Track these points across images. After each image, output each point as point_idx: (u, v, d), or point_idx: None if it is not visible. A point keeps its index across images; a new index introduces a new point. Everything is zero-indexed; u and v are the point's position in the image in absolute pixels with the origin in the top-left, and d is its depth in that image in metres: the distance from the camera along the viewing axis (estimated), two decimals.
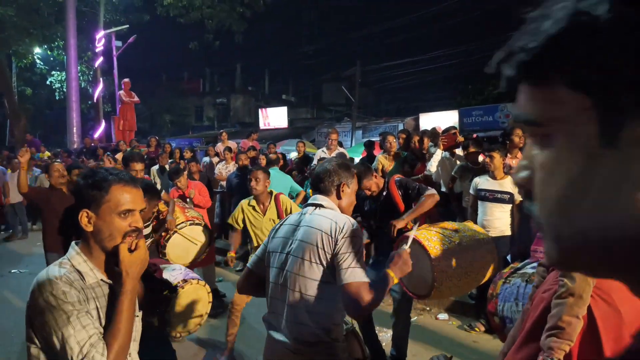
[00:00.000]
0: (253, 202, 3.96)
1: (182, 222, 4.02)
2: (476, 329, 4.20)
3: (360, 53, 22.51)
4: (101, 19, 15.36)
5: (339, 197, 1.96)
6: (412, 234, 2.34)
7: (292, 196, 6.46)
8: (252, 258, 1.99)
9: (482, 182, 4.34)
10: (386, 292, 1.78)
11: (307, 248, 1.75)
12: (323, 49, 29.11)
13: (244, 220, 4.00)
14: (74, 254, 1.41)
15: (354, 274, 1.66)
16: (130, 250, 1.43)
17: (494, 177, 4.26)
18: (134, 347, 1.58)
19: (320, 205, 1.89)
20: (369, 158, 7.40)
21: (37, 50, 16.19)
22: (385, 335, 4.08)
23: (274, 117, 24.81)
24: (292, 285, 1.76)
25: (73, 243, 1.45)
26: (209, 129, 28.45)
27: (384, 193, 3.51)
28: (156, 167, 7.85)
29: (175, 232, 3.95)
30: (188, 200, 5.14)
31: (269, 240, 1.95)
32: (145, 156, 8.91)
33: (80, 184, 1.42)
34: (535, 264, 1.71)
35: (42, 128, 23.74)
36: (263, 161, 7.02)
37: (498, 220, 4.18)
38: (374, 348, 3.57)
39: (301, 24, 32.42)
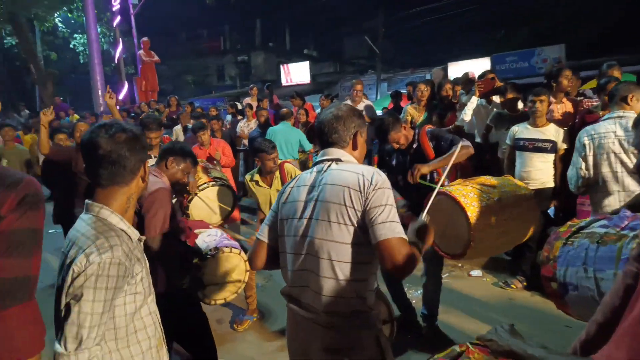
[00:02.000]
0: (256, 177, 3.74)
1: (205, 183, 3.90)
2: (512, 285, 4.02)
3: (382, 2, 21.26)
4: None
5: (355, 147, 1.73)
6: (437, 189, 2.13)
7: (303, 151, 6.30)
8: (261, 227, 1.78)
9: (521, 130, 4.01)
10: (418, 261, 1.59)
11: (333, 208, 1.54)
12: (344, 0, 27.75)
13: (253, 192, 3.83)
14: (108, 212, 1.33)
15: (392, 229, 1.47)
16: None
17: (534, 125, 3.92)
18: (152, 301, 1.47)
19: (338, 160, 1.66)
20: (396, 110, 7.07)
21: (58, 13, 16.03)
22: (414, 293, 3.96)
23: (296, 73, 24.30)
24: (319, 252, 1.56)
25: (90, 202, 1.36)
26: (231, 88, 28.25)
27: (414, 145, 3.26)
28: (179, 126, 7.77)
29: (196, 194, 3.84)
30: (215, 162, 5.02)
31: (279, 206, 1.73)
32: (167, 117, 8.85)
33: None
34: (609, 223, 1.46)
35: (69, 92, 23.98)
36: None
37: (539, 172, 3.88)
38: (403, 307, 3.45)
39: None
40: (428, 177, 3.15)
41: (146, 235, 2.34)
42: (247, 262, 2.91)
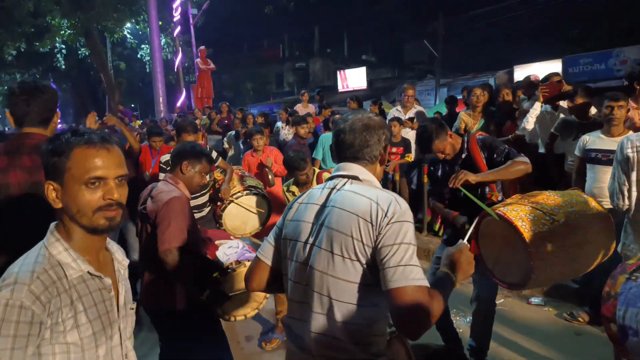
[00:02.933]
0: (293, 188, 3.54)
1: (239, 192, 3.76)
2: (579, 318, 3.49)
3: (442, 4, 20.56)
4: None
5: (381, 162, 1.48)
6: (497, 209, 1.78)
7: None
8: (263, 244, 1.56)
9: (593, 140, 3.48)
10: (448, 298, 1.29)
11: (339, 239, 1.29)
12: (403, 4, 27.20)
13: (288, 200, 3.62)
14: (53, 240, 1.13)
15: (407, 275, 1.19)
16: None
17: (609, 134, 3.39)
18: (129, 344, 1.29)
19: (355, 178, 1.41)
20: (451, 116, 6.61)
21: (126, 25, 17.03)
22: (462, 320, 3.55)
23: (353, 79, 24.10)
24: (319, 286, 1.32)
25: (52, 225, 1.18)
26: (288, 94, 28.62)
27: (463, 155, 2.89)
28: (233, 132, 7.81)
29: (231, 201, 3.70)
30: (267, 169, 4.88)
31: (284, 222, 1.50)
32: (218, 123, 8.95)
33: (42, 151, 1.15)
34: None
35: (137, 100, 25.46)
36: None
37: None
38: (447, 336, 3.07)
39: None
40: (479, 191, 2.77)
41: (159, 248, 2.20)
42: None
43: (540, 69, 13.31)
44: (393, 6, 28.03)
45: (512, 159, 2.66)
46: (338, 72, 25.15)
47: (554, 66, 14.90)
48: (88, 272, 1.13)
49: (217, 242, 2.73)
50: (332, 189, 1.41)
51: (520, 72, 15.29)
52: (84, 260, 1.13)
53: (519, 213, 2.24)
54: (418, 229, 5.45)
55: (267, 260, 1.52)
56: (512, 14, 19.69)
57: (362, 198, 1.31)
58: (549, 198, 2.44)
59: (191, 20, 15.99)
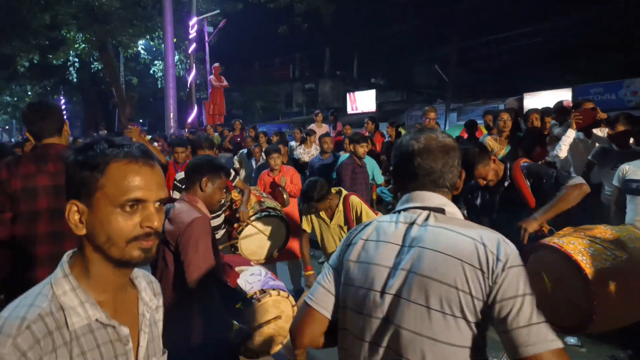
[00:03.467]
0: (321, 213, 3.37)
1: (257, 213, 3.58)
2: None
3: (454, 30, 20.66)
4: (194, 6, 15.79)
5: (457, 191, 1.27)
6: (551, 242, 1.60)
7: (376, 182, 5.80)
8: (313, 288, 1.28)
9: (634, 170, 3.30)
10: None
11: (436, 290, 1.04)
12: (414, 28, 27.47)
13: (312, 222, 3.42)
14: (60, 275, 0.92)
15: (543, 336, 0.98)
16: None
17: None
18: None
19: (438, 210, 1.16)
20: (470, 140, 6.44)
21: (141, 41, 17.20)
22: None
23: (362, 101, 24.14)
24: (408, 350, 1.05)
25: (65, 255, 0.97)
26: (297, 114, 28.74)
27: (506, 183, 2.71)
28: (244, 150, 7.66)
29: (248, 224, 3.51)
30: (280, 188, 4.71)
31: (342, 263, 1.22)
32: (230, 141, 8.83)
33: (68, 163, 0.94)
34: None
35: (147, 115, 25.59)
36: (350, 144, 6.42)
37: None
38: None
39: (391, 3, 30.98)
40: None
41: (189, 278, 1.97)
42: (294, 308, 2.50)
43: (550, 97, 13.30)
44: (403, 30, 28.31)
45: (564, 184, 2.47)
46: (347, 94, 25.24)
47: (564, 94, 14.89)
48: (97, 319, 0.90)
49: (237, 269, 2.53)
50: (411, 223, 1.15)
51: (530, 100, 15.26)
52: (94, 304, 0.90)
53: (576, 246, 2.05)
54: None
55: (325, 311, 1.22)
56: (522, 43, 19.76)
57: (462, 237, 1.07)
58: (606, 232, 2.25)
59: (206, 38, 16.12)
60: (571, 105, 4.25)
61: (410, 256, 1.10)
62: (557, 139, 4.22)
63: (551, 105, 4.95)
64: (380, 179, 5.86)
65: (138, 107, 21.53)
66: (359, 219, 3.17)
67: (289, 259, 4.67)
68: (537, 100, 14.12)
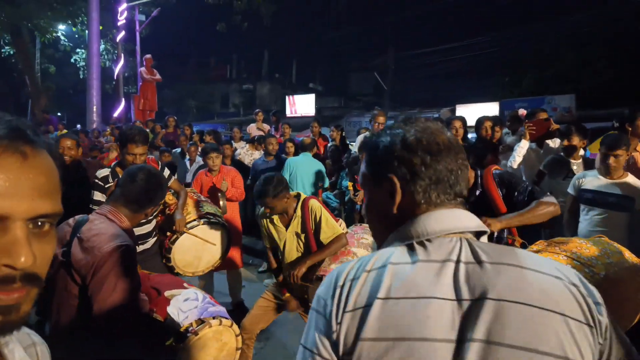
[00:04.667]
0: (275, 217, 2.98)
1: (194, 220, 3.10)
2: None
3: (391, 40, 21.21)
4: None
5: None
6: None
7: (322, 186, 5.54)
8: None
9: (590, 180, 3.27)
10: None
11: None
12: (352, 35, 27.88)
13: (268, 230, 3.00)
14: None
15: None
16: None
17: (608, 176, 3.19)
18: None
19: (479, 234, 0.83)
20: None
21: (61, 26, 15.62)
22: None
23: (302, 105, 23.93)
24: None
25: None
26: (234, 115, 27.97)
27: (477, 192, 2.50)
28: (178, 150, 7.04)
29: (185, 232, 3.03)
30: (220, 194, 4.25)
31: (344, 348, 0.73)
32: (162, 139, 8.11)
33: None
34: None
35: (65, 108, 23.40)
36: (291, 148, 6.09)
37: (615, 232, 3.10)
38: None
39: (330, 10, 31.22)
40: (495, 234, 2.37)
41: (100, 318, 1.51)
42: (238, 338, 2.09)
43: (480, 110, 14.07)
44: (341, 37, 28.62)
45: (538, 199, 2.30)
46: (287, 97, 24.91)
47: (492, 107, 15.95)
48: None
49: (167, 294, 2.03)
50: (455, 262, 0.76)
51: (462, 110, 16.11)
52: None
53: None
54: None
55: None
56: (456, 56, 20.68)
57: (545, 277, 0.74)
58: (582, 246, 2.10)
59: (137, 27, 14.98)
60: (525, 114, 4.23)
61: (482, 317, 0.70)
62: (509, 148, 4.17)
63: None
64: (326, 182, 5.60)
65: (55, 99, 19.57)
66: (317, 226, 2.82)
67: (228, 269, 4.24)
68: (468, 111, 14.85)
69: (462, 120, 4.48)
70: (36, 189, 0.53)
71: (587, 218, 3.26)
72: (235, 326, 2.05)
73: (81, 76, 16.78)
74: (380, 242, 0.87)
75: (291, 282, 2.76)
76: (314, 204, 2.90)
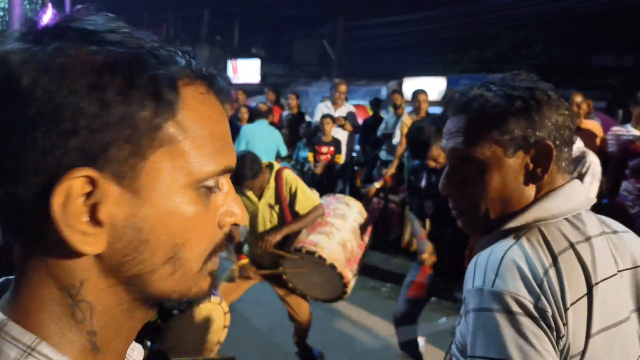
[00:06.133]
0: (249, 192, 2.82)
1: None
2: None
3: (339, 8, 20.84)
4: None
5: None
6: None
7: (281, 155, 5.38)
8: None
9: None
10: None
11: None
12: (298, 1, 27.12)
13: None
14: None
15: None
16: None
17: None
18: None
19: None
20: (376, 120, 6.35)
21: None
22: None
23: (245, 71, 23.13)
24: None
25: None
26: None
27: None
28: None
29: None
30: None
31: (570, 348, 0.66)
32: None
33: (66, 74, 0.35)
34: None
35: None
36: (245, 114, 5.84)
37: None
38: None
39: None
40: None
41: None
42: (227, 316, 1.98)
43: (427, 83, 14.34)
44: (286, 2, 27.80)
45: None
46: (229, 62, 23.91)
47: (439, 82, 16.33)
48: None
49: None
50: (604, 234, 0.76)
51: (410, 83, 16.33)
52: None
53: None
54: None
55: None
56: (405, 30, 20.84)
57: None
58: None
59: None
60: None
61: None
62: None
63: (428, 91, 5.06)
64: (285, 151, 5.43)
65: None
66: (293, 197, 2.69)
67: None
68: (416, 84, 15.06)
69: (424, 92, 4.50)
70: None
71: None
72: (224, 303, 1.93)
73: (0, 28, 14.92)
74: (486, 225, 0.78)
75: (264, 249, 2.64)
76: (289, 174, 2.78)
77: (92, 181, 0.36)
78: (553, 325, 0.64)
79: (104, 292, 0.39)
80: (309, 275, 2.70)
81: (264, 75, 23.75)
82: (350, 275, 2.66)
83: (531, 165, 0.75)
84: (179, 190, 0.39)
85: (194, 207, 0.40)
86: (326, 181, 5.13)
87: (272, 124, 5.94)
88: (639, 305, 0.71)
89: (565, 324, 0.64)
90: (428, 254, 2.49)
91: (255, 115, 5.43)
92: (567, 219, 0.74)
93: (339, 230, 2.76)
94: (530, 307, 0.65)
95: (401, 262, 4.48)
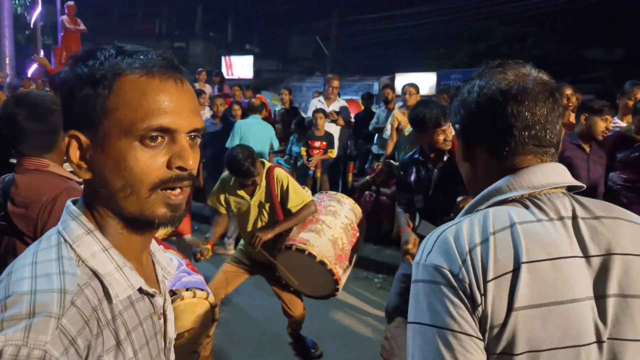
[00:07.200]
0: (234, 182, 2.86)
1: None
2: None
3: (335, 4, 20.87)
4: None
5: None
6: None
7: (274, 149, 5.43)
8: None
9: None
10: None
11: None
12: None
13: (227, 201, 2.87)
14: (80, 231, 0.65)
15: None
16: None
17: None
18: None
19: (575, 190, 0.83)
20: (368, 114, 6.40)
21: None
22: None
23: (238, 67, 23.01)
24: None
25: (69, 204, 0.70)
26: None
27: (445, 157, 2.54)
28: None
29: None
30: None
31: (494, 320, 0.70)
32: None
33: (62, 80, 0.66)
34: None
35: None
36: (239, 111, 5.85)
37: None
38: None
39: None
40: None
41: None
42: (215, 310, 2.00)
43: (418, 79, 14.37)
44: None
45: None
46: (223, 58, 23.80)
47: (430, 77, 16.40)
48: (140, 288, 0.68)
49: None
50: (571, 218, 0.76)
51: (402, 79, 16.35)
52: (132, 268, 0.67)
53: None
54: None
55: None
56: (398, 25, 20.87)
57: None
58: None
59: None
60: None
61: (613, 272, 0.73)
62: None
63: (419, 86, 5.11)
64: (277, 145, 5.47)
65: None
66: (284, 195, 2.72)
67: (178, 236, 4.05)
68: (408, 80, 15.09)
69: (415, 86, 4.58)
70: (190, 109, 0.66)
71: None
72: (211, 297, 1.93)
73: None
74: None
75: (254, 246, 2.66)
76: (280, 172, 2.81)
77: (77, 137, 0.64)
78: (470, 294, 0.70)
79: (101, 205, 0.66)
80: (301, 271, 2.71)
81: (257, 71, 23.70)
82: (340, 271, 2.67)
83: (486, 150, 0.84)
84: (122, 140, 0.61)
85: (134, 151, 0.62)
86: (319, 175, 5.17)
87: (265, 118, 5.98)
88: (601, 293, 0.72)
89: (482, 295, 0.69)
90: (412, 244, 2.50)
91: (249, 110, 5.46)
92: (530, 200, 0.78)
93: (329, 228, 2.76)
94: (450, 277, 0.72)
95: (393, 254, 4.55)
